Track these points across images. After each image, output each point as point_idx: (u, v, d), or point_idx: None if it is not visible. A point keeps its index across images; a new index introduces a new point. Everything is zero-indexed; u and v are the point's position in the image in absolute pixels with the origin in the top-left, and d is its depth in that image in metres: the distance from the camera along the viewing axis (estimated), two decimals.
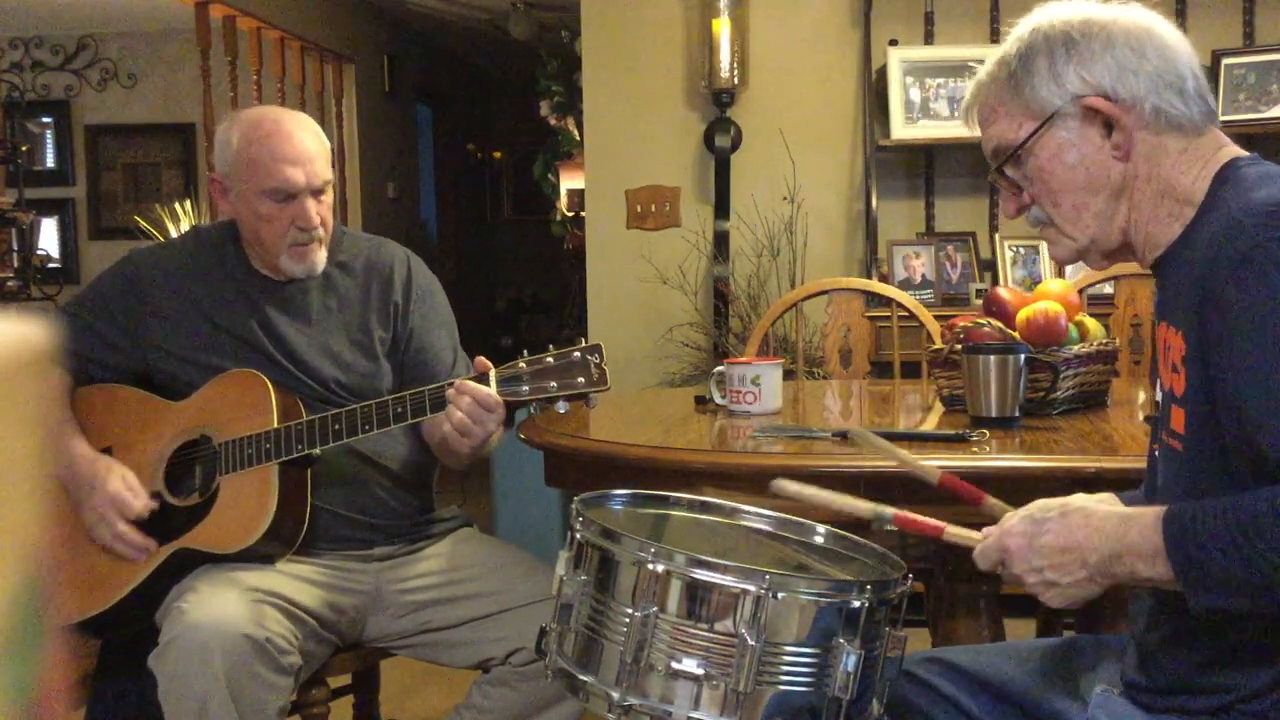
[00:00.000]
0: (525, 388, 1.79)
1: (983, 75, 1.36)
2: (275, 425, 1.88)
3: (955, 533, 1.34)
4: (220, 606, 1.77)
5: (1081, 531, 1.19)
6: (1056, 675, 1.43)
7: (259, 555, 1.88)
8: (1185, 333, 1.18)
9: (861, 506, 1.39)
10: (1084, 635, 1.48)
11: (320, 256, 2.02)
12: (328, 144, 2.04)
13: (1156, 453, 1.30)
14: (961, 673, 1.46)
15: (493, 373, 1.81)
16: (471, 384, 1.80)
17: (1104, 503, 1.41)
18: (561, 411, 1.82)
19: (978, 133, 1.38)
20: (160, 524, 1.93)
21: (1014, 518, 1.26)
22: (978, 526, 1.33)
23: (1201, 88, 1.27)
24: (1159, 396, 1.29)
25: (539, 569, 2.01)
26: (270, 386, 1.91)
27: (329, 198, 2.02)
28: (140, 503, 1.90)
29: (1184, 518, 1.12)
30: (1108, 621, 1.88)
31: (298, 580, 1.90)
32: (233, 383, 1.95)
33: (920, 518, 1.36)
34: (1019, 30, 1.33)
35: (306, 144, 1.97)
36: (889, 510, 1.37)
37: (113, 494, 1.89)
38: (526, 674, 1.91)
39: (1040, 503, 1.26)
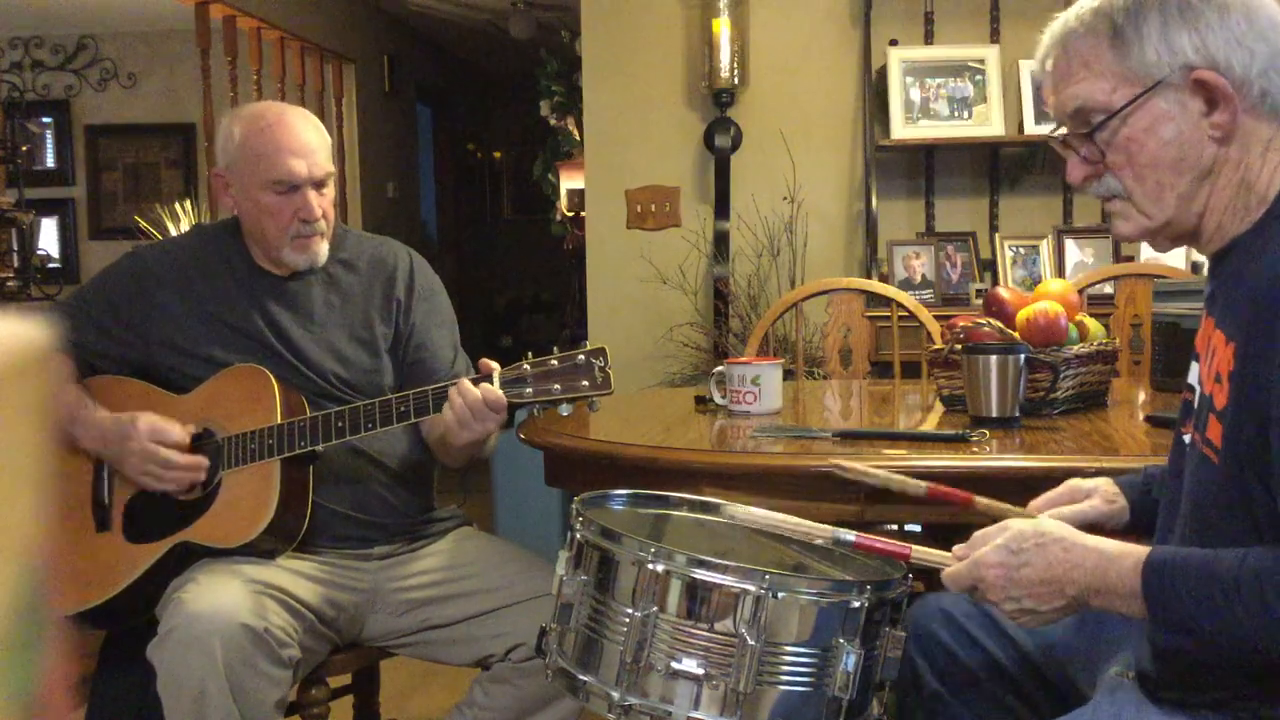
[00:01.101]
0: (529, 389, 1.80)
1: (1072, 23, 1.22)
2: (279, 421, 1.89)
3: (922, 554, 1.30)
4: (220, 597, 1.77)
5: (1061, 565, 1.17)
6: (1082, 650, 1.43)
7: (260, 551, 1.89)
8: (1235, 348, 1.13)
9: (820, 530, 1.37)
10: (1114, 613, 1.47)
11: (322, 248, 2.03)
12: (329, 138, 2.05)
13: (1186, 439, 1.24)
14: (995, 625, 1.46)
15: (496, 373, 1.82)
16: (471, 385, 1.80)
17: (1100, 491, 1.41)
18: (564, 414, 1.83)
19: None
20: (162, 517, 1.93)
21: (988, 546, 1.22)
22: (947, 543, 1.31)
23: None
24: (1194, 382, 1.25)
25: (538, 565, 2.02)
26: (274, 382, 1.92)
27: (330, 191, 2.03)
28: (175, 431, 1.90)
29: (1164, 567, 1.11)
30: None
31: (298, 575, 1.90)
32: (237, 378, 1.95)
33: (882, 541, 1.33)
34: None
35: (308, 136, 1.99)
36: (849, 535, 1.34)
37: (146, 430, 1.89)
38: (526, 670, 1.91)
39: (1015, 530, 1.22)
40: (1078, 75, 1.22)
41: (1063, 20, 1.24)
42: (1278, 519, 1.09)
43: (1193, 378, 1.26)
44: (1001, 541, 1.22)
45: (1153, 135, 1.18)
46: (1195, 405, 1.23)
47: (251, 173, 1.97)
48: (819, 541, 1.40)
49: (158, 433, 1.90)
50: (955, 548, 1.28)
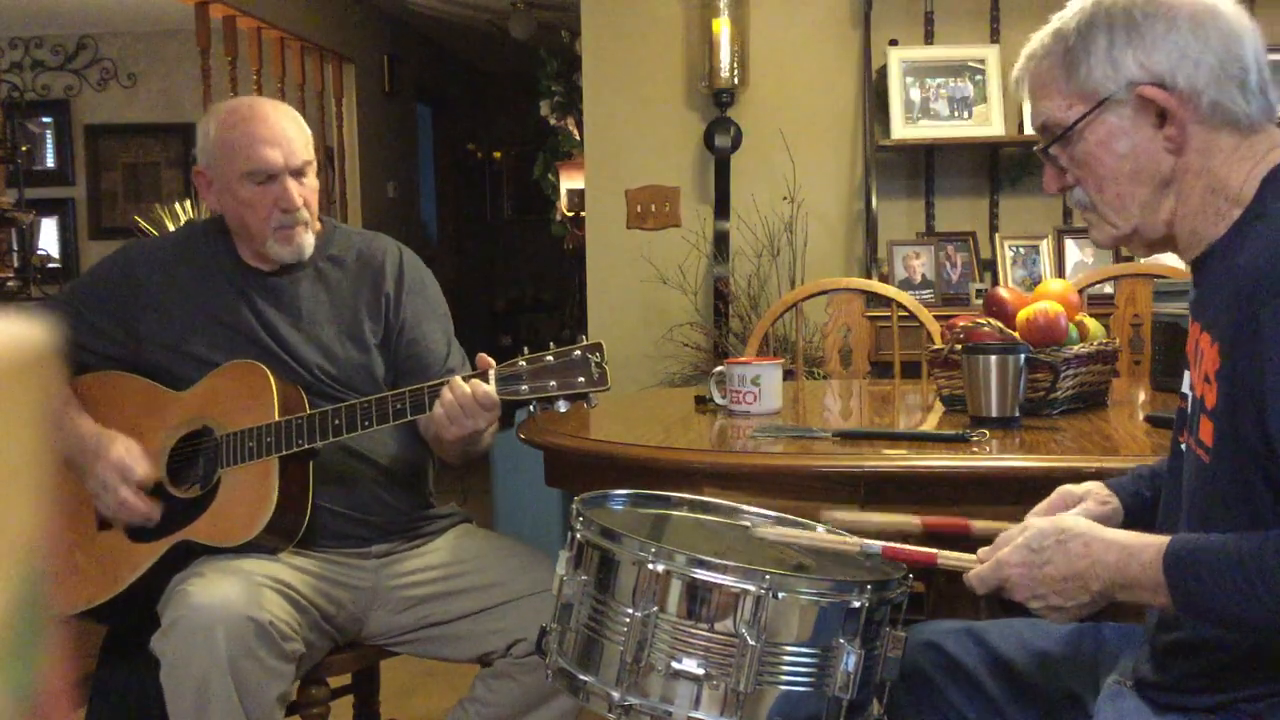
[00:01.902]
0: (524, 387, 1.79)
1: (1036, 46, 1.29)
2: (276, 418, 1.89)
3: (949, 560, 1.31)
4: (225, 589, 1.78)
5: (1083, 561, 1.18)
6: (1080, 661, 1.43)
7: (260, 549, 1.90)
8: (1220, 346, 1.15)
9: (848, 543, 1.38)
10: (1110, 624, 1.47)
11: (307, 239, 2.02)
12: (307, 130, 2.05)
13: (1183, 447, 1.27)
14: (989, 649, 1.45)
15: (492, 370, 1.81)
16: (463, 382, 1.80)
17: (1092, 494, 1.41)
18: (562, 411, 1.82)
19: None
20: (163, 516, 1.94)
21: (1008, 546, 1.23)
22: (970, 548, 1.31)
23: (1265, 81, 1.21)
24: (1186, 390, 1.27)
25: (538, 561, 2.02)
26: (272, 378, 1.92)
27: (311, 181, 2.02)
28: (142, 468, 1.91)
29: (1185, 556, 1.12)
30: (1111, 612, 1.88)
31: (300, 572, 1.91)
32: (235, 374, 1.96)
33: (910, 548, 1.33)
34: (1079, 1, 1.26)
35: (282, 125, 1.98)
36: (876, 545, 1.34)
37: (115, 461, 1.90)
38: (528, 665, 1.92)
39: (1036, 528, 1.23)
40: (1040, 94, 1.29)
41: (1032, 42, 1.31)
42: None
43: (1185, 385, 1.28)
44: (1022, 541, 1.22)
45: (1107, 149, 1.24)
46: (1189, 411, 1.24)
47: (228, 166, 1.97)
48: (833, 545, 1.40)
49: (125, 470, 1.90)
50: (980, 551, 1.28)
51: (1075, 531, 1.20)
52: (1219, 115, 1.20)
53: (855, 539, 1.37)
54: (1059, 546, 1.19)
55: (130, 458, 1.91)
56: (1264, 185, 1.19)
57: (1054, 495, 1.42)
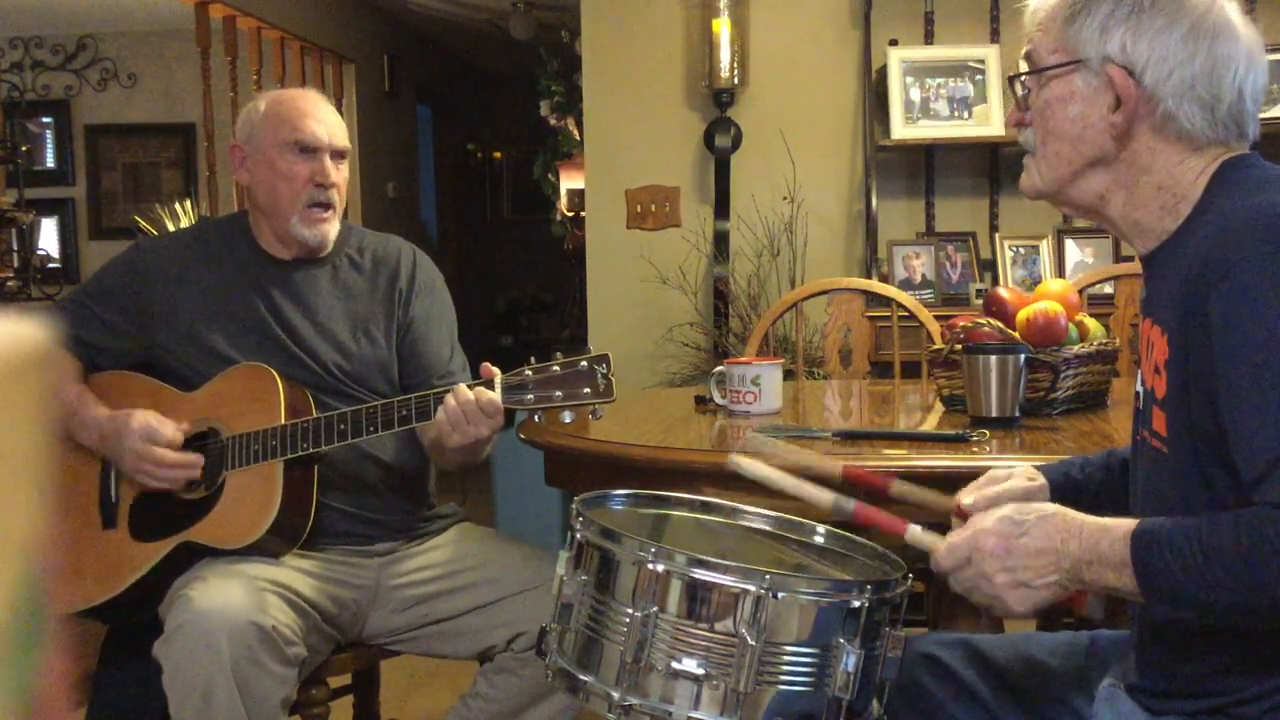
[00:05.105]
0: (530, 396, 1.78)
1: None
2: (282, 421, 1.89)
3: (917, 536, 1.31)
4: (227, 594, 1.77)
5: (1060, 536, 1.18)
6: (1074, 670, 1.43)
7: (262, 551, 1.89)
8: (1169, 336, 1.17)
9: (823, 497, 1.38)
10: (1103, 631, 1.48)
11: (331, 230, 2.05)
12: (346, 129, 2.13)
13: (1141, 443, 1.29)
14: (985, 661, 1.45)
15: (498, 379, 1.81)
16: (470, 389, 1.80)
17: (1020, 473, 1.43)
18: (566, 421, 1.82)
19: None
20: (167, 516, 1.94)
21: (988, 518, 1.24)
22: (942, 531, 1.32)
23: (1240, 112, 1.22)
24: (1139, 388, 1.29)
25: (537, 555, 2.02)
26: (279, 381, 1.92)
27: (345, 172, 2.09)
28: (168, 429, 1.91)
29: (1151, 536, 1.13)
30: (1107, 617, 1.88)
31: (302, 573, 1.91)
32: (242, 377, 1.96)
33: (882, 514, 1.34)
34: None
35: (329, 111, 2.08)
36: (850, 503, 1.35)
37: (139, 428, 1.89)
38: (529, 660, 1.92)
39: (1018, 505, 1.24)
40: (1039, 26, 1.31)
41: None
42: (1243, 486, 1.10)
43: (1138, 384, 1.30)
44: (1004, 513, 1.23)
45: (1061, 107, 1.27)
46: (1141, 405, 1.27)
47: (272, 136, 2.03)
48: (808, 495, 1.40)
49: (150, 431, 1.90)
50: (949, 534, 1.29)
51: (1055, 510, 1.22)
52: (1170, 128, 1.22)
53: (831, 494, 1.37)
54: (1040, 521, 1.20)
55: (153, 420, 1.91)
56: (1212, 182, 1.22)
57: (983, 477, 1.43)
